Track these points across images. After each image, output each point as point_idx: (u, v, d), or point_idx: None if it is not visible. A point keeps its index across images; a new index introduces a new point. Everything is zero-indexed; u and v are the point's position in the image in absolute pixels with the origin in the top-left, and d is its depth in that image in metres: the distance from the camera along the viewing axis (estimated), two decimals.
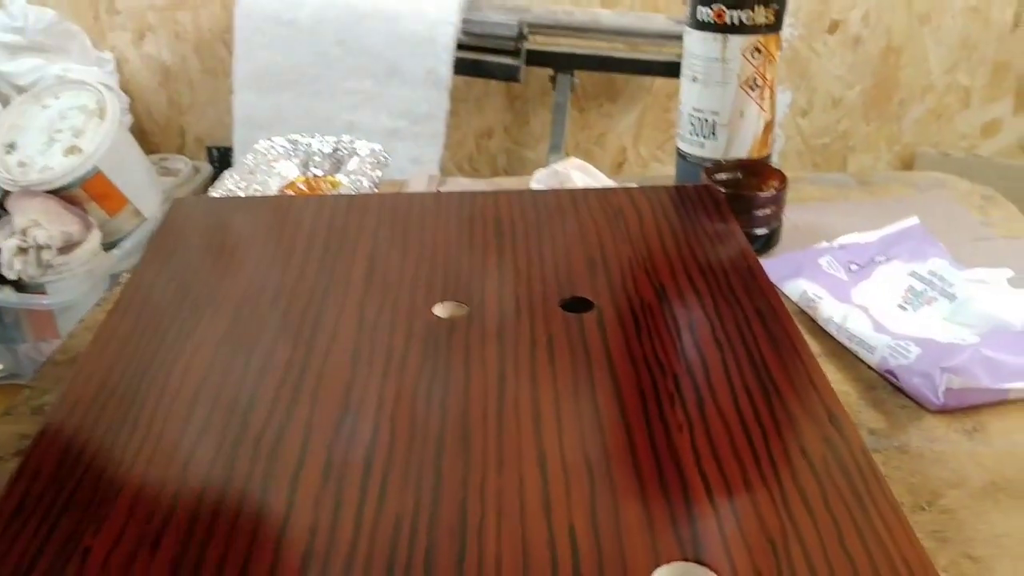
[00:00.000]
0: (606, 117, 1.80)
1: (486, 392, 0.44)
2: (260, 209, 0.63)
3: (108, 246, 1.48)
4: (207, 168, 1.95)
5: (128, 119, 1.84)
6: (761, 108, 0.80)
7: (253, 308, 0.51)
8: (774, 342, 0.47)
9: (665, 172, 1.83)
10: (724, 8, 0.76)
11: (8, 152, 1.43)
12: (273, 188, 0.82)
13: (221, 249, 0.57)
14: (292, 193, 0.79)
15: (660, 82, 1.76)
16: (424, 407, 0.43)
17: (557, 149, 1.63)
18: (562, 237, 0.58)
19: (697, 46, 0.79)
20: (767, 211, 0.75)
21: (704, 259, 0.55)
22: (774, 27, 0.78)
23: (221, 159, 1.99)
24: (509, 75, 1.58)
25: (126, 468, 0.40)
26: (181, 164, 1.91)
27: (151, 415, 0.43)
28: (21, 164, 1.42)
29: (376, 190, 0.84)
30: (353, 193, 0.67)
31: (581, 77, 1.70)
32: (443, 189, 0.91)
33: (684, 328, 0.48)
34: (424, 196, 0.65)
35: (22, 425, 0.60)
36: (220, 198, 0.66)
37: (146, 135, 1.97)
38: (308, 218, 0.60)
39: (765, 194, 0.74)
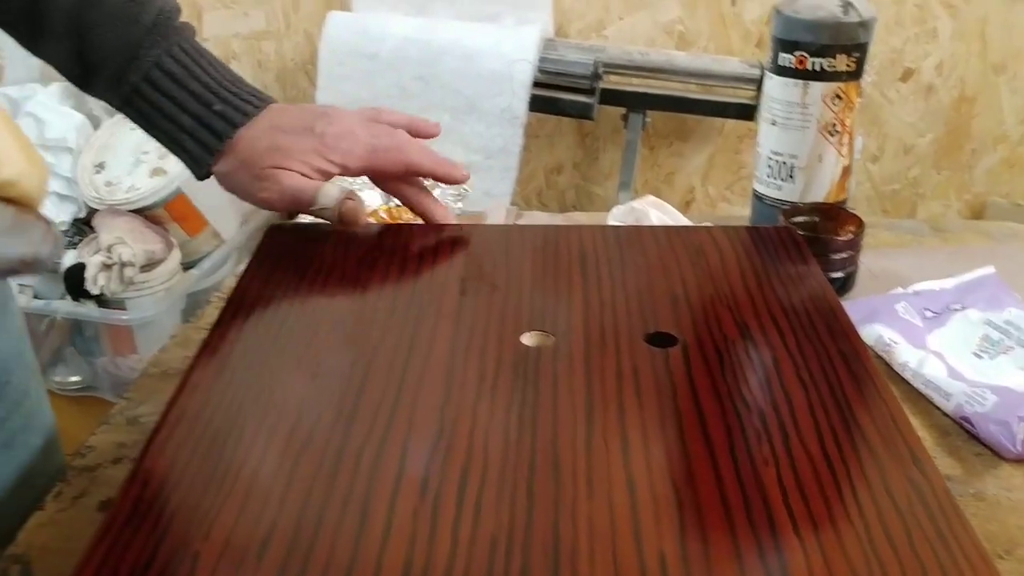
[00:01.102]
0: (676, 156, 1.81)
1: (575, 418, 0.45)
2: (350, 237, 0.65)
3: (187, 266, 1.53)
4: None
5: None
6: (839, 153, 0.81)
7: (351, 331, 0.54)
8: (857, 383, 0.48)
9: (734, 213, 1.83)
10: (806, 55, 0.77)
11: (97, 172, 1.49)
12: None
13: (316, 274, 0.60)
14: (374, 222, 0.82)
15: (731, 123, 1.76)
16: (516, 430, 0.44)
17: (627, 187, 1.64)
18: (644, 272, 0.60)
19: (777, 90, 0.80)
20: (844, 255, 0.75)
21: (786, 299, 0.56)
22: (855, 75, 0.79)
23: None
24: (583, 113, 1.60)
25: (232, 478, 0.42)
26: None
27: (256, 428, 0.45)
28: (108, 184, 1.48)
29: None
30: None
31: (652, 116, 1.71)
32: (520, 222, 0.93)
33: (768, 366, 0.50)
34: (508, 228, 0.67)
35: (119, 434, 0.63)
36: (311, 225, 0.68)
37: None
38: (397, 247, 0.63)
39: (842, 238, 0.75)
